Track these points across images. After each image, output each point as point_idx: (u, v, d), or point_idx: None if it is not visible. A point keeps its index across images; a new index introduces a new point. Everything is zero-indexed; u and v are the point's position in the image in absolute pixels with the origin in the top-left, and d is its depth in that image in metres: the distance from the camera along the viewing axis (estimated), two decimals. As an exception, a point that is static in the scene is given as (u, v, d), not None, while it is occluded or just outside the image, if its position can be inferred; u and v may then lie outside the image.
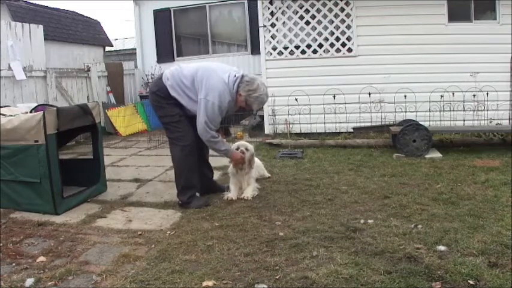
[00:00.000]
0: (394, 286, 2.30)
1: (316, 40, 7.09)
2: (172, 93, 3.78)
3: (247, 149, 4.09)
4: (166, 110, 3.83)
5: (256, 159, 4.48)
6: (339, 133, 6.87)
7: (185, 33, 10.83)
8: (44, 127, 3.59)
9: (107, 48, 12.85)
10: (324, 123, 6.97)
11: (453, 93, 6.68)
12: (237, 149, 4.09)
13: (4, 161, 3.77)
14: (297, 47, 7.16)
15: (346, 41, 7.01)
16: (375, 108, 6.90)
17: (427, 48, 6.78)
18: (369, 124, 6.89)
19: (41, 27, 7.76)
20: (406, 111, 6.76)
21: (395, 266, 2.51)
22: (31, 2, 11.08)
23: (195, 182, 3.94)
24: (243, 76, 3.75)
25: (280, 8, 7.14)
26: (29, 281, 2.49)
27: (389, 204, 3.66)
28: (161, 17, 10.58)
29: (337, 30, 7.02)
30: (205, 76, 3.72)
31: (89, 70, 8.98)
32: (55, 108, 3.84)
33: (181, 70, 3.83)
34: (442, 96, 6.72)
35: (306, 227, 3.20)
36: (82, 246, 3.03)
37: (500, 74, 6.70)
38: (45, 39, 7.90)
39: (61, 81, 8.07)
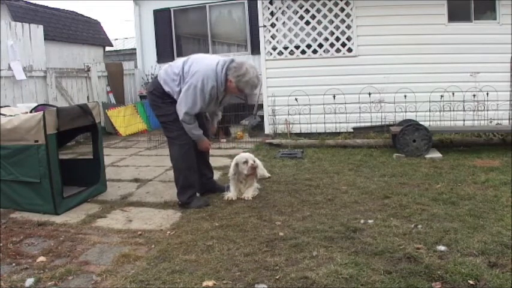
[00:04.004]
0: (394, 286, 2.30)
1: (316, 40, 7.09)
2: (166, 88, 3.77)
3: (246, 162, 4.04)
4: (163, 109, 3.84)
5: (256, 159, 4.47)
6: (339, 133, 6.86)
7: (185, 33, 10.83)
8: (44, 127, 3.59)
9: (107, 48, 12.87)
10: (324, 123, 6.97)
11: (453, 93, 6.68)
12: (236, 164, 4.08)
13: (4, 161, 3.78)
14: (297, 47, 7.15)
15: (346, 41, 7.00)
16: (375, 108, 6.90)
17: (427, 48, 6.76)
18: (369, 124, 6.88)
19: (41, 27, 7.76)
20: (406, 111, 6.76)
21: (395, 266, 2.51)
22: (31, 2, 11.08)
23: (194, 181, 3.94)
24: (231, 61, 3.70)
25: (280, 8, 7.14)
26: (29, 281, 2.49)
27: (389, 204, 3.66)
28: (161, 17, 10.58)
29: (337, 30, 7.01)
30: (194, 62, 3.73)
31: (89, 70, 8.97)
32: (55, 108, 3.85)
33: (174, 63, 3.87)
34: (442, 96, 6.72)
35: (306, 227, 3.20)
36: (82, 246, 3.03)
37: (500, 74, 6.69)
38: (45, 39, 7.90)
39: (61, 81, 8.07)
